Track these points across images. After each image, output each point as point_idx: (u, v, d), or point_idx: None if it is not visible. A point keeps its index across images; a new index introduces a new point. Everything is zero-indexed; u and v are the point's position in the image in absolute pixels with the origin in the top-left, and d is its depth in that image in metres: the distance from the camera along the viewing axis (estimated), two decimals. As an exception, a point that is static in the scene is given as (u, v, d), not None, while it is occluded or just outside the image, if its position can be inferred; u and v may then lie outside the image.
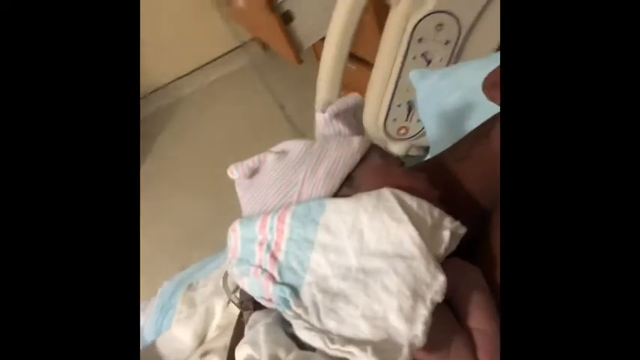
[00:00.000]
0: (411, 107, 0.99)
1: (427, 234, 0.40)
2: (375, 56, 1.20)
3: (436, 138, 0.79)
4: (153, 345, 0.92)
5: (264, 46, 2.07)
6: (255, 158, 0.49)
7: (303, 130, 1.75)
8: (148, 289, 1.16)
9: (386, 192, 0.42)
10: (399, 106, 0.98)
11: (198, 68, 2.40)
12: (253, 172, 0.49)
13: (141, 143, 2.28)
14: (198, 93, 2.44)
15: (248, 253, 0.44)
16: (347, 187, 0.47)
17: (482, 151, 0.52)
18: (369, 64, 1.29)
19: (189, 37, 2.14)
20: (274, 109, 1.73)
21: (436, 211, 0.42)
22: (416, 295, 0.38)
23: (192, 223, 1.85)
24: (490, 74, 0.37)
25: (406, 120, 1.00)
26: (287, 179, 0.48)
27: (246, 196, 0.50)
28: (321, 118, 0.51)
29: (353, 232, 0.41)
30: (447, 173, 0.55)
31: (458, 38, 0.93)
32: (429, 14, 0.89)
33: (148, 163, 2.23)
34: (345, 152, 0.48)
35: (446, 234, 0.41)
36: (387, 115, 0.99)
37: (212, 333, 0.89)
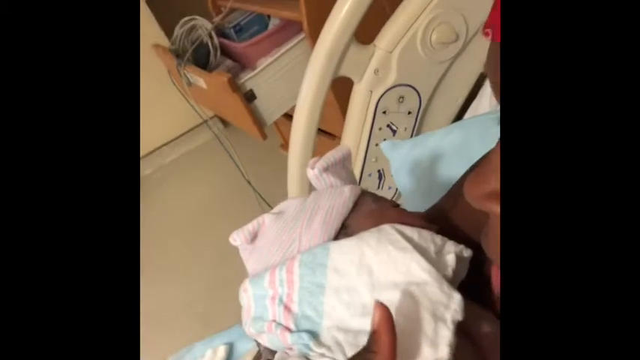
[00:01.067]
0: (381, 176, 1.01)
1: (432, 260, 0.41)
2: (336, 128, 1.24)
3: (415, 201, 0.81)
4: None
5: (225, 123, 2.10)
6: (254, 222, 0.51)
7: (273, 203, 1.74)
8: None
9: (386, 226, 0.43)
10: (369, 175, 1.00)
11: (159, 147, 2.39)
12: (254, 236, 0.50)
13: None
14: (159, 172, 2.42)
15: (261, 310, 0.44)
16: (343, 234, 0.47)
17: (465, 204, 0.55)
18: (332, 136, 1.33)
19: (149, 117, 2.16)
20: (242, 184, 1.73)
21: (438, 238, 0.43)
22: (436, 318, 0.37)
23: (158, 310, 1.77)
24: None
25: (377, 188, 1.02)
26: (285, 236, 0.48)
27: (252, 260, 0.50)
28: (311, 174, 0.52)
29: (361, 269, 0.41)
30: (441, 208, 0.57)
31: (419, 108, 0.98)
32: (390, 88, 0.94)
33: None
34: (337, 202, 0.49)
35: (451, 257, 0.42)
36: (359, 184, 1.00)
37: None
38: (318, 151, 1.06)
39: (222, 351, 0.96)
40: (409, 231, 0.43)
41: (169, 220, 2.09)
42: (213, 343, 1.03)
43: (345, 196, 0.50)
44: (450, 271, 0.41)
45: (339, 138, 1.05)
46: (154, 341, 1.60)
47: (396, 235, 0.43)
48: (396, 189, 1.02)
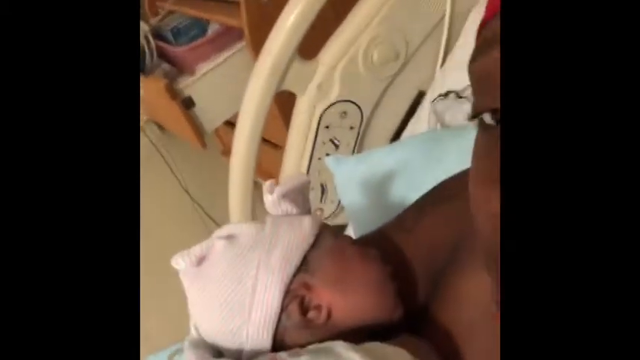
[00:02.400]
0: (324, 190, 1.02)
1: None
2: (278, 138, 1.24)
3: (359, 217, 0.82)
4: None
5: (161, 128, 2.03)
6: (203, 245, 0.48)
7: (211, 213, 1.70)
8: None
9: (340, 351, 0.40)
10: (312, 189, 1.01)
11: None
12: (201, 261, 0.47)
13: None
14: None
15: None
16: (303, 272, 0.47)
17: (428, 223, 0.56)
18: (276, 146, 1.32)
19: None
20: (181, 194, 1.68)
21: None
22: None
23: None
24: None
25: (320, 202, 1.03)
26: (240, 268, 0.46)
27: (195, 287, 0.48)
28: (269, 199, 0.51)
29: None
30: (396, 244, 0.57)
31: (361, 123, 1.00)
32: (333, 103, 0.95)
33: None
34: (297, 235, 0.48)
35: None
36: (302, 198, 1.01)
37: None
38: (261, 160, 1.05)
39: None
40: None
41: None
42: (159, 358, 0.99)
43: (304, 229, 0.49)
44: None
45: (283, 148, 1.04)
46: None
47: None
48: (338, 202, 1.03)
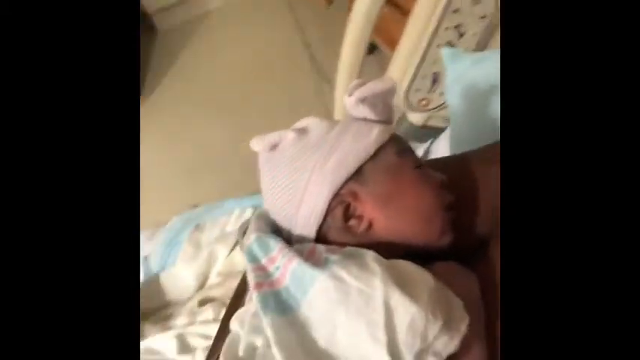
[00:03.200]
0: (435, 79, 0.95)
1: (407, 358, 0.38)
2: (407, 2, 1.13)
3: (459, 120, 0.78)
4: (156, 278, 0.98)
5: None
6: (277, 134, 0.51)
7: (323, 68, 1.70)
8: (164, 212, 1.22)
9: (379, 297, 0.39)
10: (423, 77, 0.95)
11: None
12: (273, 147, 0.51)
13: (161, 59, 2.25)
14: (227, 8, 2.35)
15: (254, 260, 0.46)
16: (354, 180, 0.48)
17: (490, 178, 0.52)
18: (401, 10, 1.22)
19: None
20: (297, 45, 1.68)
21: (433, 330, 0.39)
22: None
23: (208, 145, 1.88)
24: None
25: (429, 92, 0.97)
26: (299, 164, 0.49)
27: (265, 168, 0.52)
28: (347, 101, 0.51)
29: (327, 325, 0.40)
30: (470, 173, 0.56)
31: (494, 14, 0.87)
32: (470, -16, 0.84)
33: (169, 78, 2.21)
34: (359, 145, 0.49)
35: None
36: (411, 84, 0.96)
37: (213, 278, 0.95)
38: (387, 23, 0.98)
39: (249, 213, 1.04)
40: (401, 317, 0.39)
41: (223, 62, 2.09)
42: (243, 203, 1.11)
43: (369, 140, 0.49)
44: None
45: (408, 16, 0.96)
46: (204, 172, 1.73)
47: (381, 316, 0.39)
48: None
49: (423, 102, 0.98)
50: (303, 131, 0.51)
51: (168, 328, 0.77)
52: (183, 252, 1.00)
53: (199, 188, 1.72)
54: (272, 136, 0.51)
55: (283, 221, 0.50)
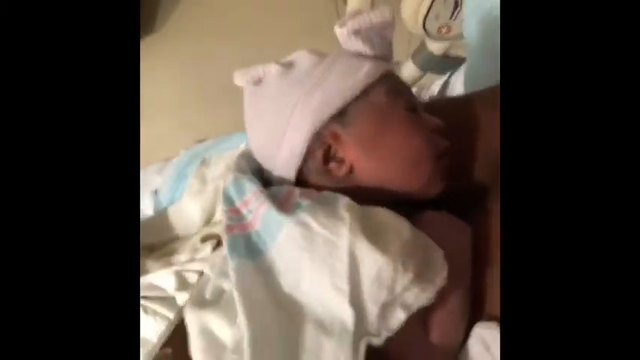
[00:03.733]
0: (457, 4, 0.87)
1: (372, 309, 0.36)
2: None
3: (475, 54, 0.71)
4: (165, 212, 0.98)
5: None
6: (260, 69, 0.48)
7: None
8: (179, 145, 1.20)
9: (344, 246, 0.37)
10: (444, 1, 0.86)
11: None
12: (258, 81, 0.48)
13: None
14: None
15: (228, 201, 0.44)
16: (337, 121, 0.44)
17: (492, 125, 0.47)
18: None
19: None
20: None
21: (402, 282, 0.36)
22: None
23: (223, 77, 1.82)
24: None
25: (450, 18, 0.89)
26: (281, 100, 0.45)
27: (247, 104, 0.49)
28: (339, 33, 0.46)
29: (292, 271, 0.39)
30: (471, 118, 0.51)
31: None
32: None
33: (183, 9, 2.13)
34: (346, 82, 0.44)
35: (398, 317, 0.36)
36: (429, 10, 0.87)
37: (218, 214, 0.93)
38: None
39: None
40: (368, 265, 0.36)
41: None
42: (249, 137, 1.08)
43: (357, 77, 0.44)
44: (386, 330, 0.36)
45: None
46: (213, 115, 1.69)
47: (345, 265, 0.36)
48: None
49: (443, 30, 0.90)
50: (289, 65, 0.47)
51: (170, 264, 0.76)
52: (189, 186, 0.99)
53: (214, 121, 1.69)
54: (256, 70, 0.47)
55: (264, 161, 0.47)
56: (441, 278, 0.37)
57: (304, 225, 0.38)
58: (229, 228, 0.41)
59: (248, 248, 0.40)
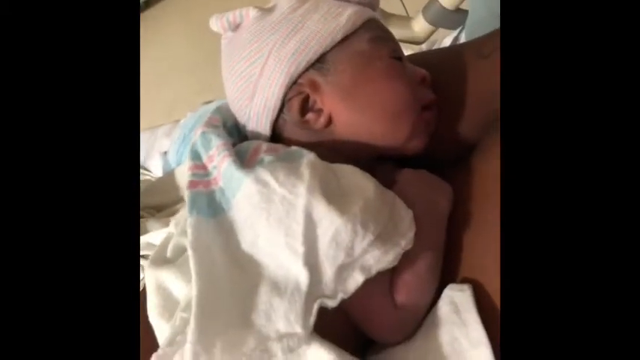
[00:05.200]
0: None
1: (328, 271, 0.35)
2: None
3: (477, 4, 0.67)
4: (172, 173, 0.99)
5: None
6: (237, 12, 0.46)
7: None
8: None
9: (301, 205, 0.35)
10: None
11: None
12: (235, 27, 0.46)
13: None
14: None
15: (196, 155, 0.43)
16: (316, 69, 0.42)
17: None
18: None
19: None
20: None
21: (361, 244, 0.35)
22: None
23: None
24: None
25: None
26: (257, 45, 0.43)
27: (223, 53, 0.47)
28: None
29: (250, 230, 0.37)
30: (462, 68, 0.48)
31: None
32: None
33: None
34: (325, 27, 0.42)
35: (355, 279, 0.35)
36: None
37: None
38: None
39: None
40: (326, 223, 0.35)
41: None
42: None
43: (338, 22, 0.42)
44: (342, 293, 0.35)
45: None
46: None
47: (300, 227, 0.35)
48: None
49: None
50: (269, 9, 0.44)
51: (168, 224, 0.77)
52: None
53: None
54: (232, 15, 0.45)
55: (239, 114, 0.46)
56: (406, 240, 0.36)
57: (262, 182, 0.37)
58: (192, 184, 0.40)
59: (210, 205, 0.39)
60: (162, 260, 0.41)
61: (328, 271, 0.35)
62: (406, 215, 0.37)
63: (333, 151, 0.42)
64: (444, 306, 0.37)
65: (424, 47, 0.95)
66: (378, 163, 0.44)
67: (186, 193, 0.40)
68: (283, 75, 0.42)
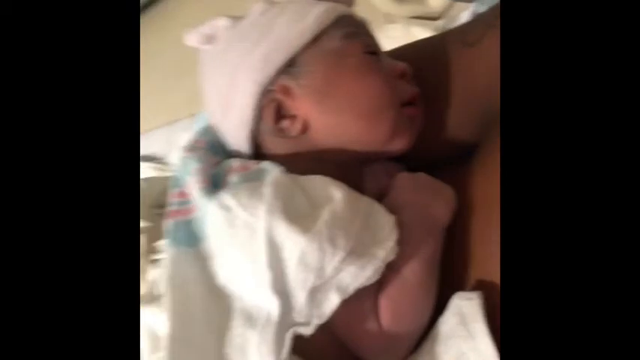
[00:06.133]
0: None
1: (300, 296, 0.32)
2: None
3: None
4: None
5: None
6: (208, 25, 0.43)
7: None
8: None
9: (261, 229, 0.33)
10: None
11: None
12: (209, 39, 0.43)
13: None
14: None
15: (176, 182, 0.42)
16: (287, 73, 0.39)
17: (495, 41, 0.41)
18: None
19: None
20: None
21: (332, 262, 0.32)
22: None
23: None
24: None
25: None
26: (226, 56, 0.41)
27: (201, 64, 0.45)
28: None
29: (220, 258, 0.36)
30: (449, 57, 0.45)
31: None
32: None
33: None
34: (293, 29, 0.39)
35: (331, 301, 0.32)
36: None
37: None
38: None
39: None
40: (294, 239, 0.32)
41: None
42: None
43: (306, 22, 0.39)
44: (312, 322, 0.32)
45: None
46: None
47: (263, 249, 0.32)
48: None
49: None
50: (240, 17, 0.42)
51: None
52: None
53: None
54: (205, 28, 0.43)
55: (219, 130, 0.43)
56: (385, 251, 0.33)
57: (225, 207, 0.35)
58: (172, 214, 0.39)
59: (190, 234, 0.38)
60: (150, 297, 0.41)
61: (300, 296, 0.32)
62: (386, 223, 0.34)
63: (313, 159, 0.39)
64: (450, 317, 0.34)
65: (441, 24, 0.91)
66: (369, 167, 0.41)
67: (165, 224, 0.39)
68: (252, 83, 0.39)
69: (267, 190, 0.34)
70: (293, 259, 0.32)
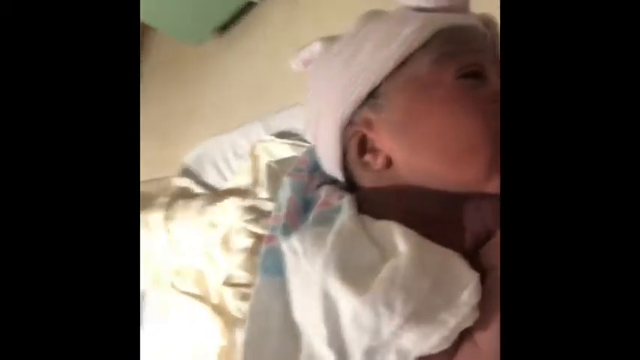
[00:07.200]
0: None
1: (356, 354, 0.29)
2: None
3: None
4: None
5: None
6: (307, 49, 0.42)
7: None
8: None
9: (317, 283, 0.31)
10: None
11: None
12: (307, 62, 0.43)
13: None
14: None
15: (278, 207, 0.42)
16: (369, 106, 0.36)
17: None
18: None
19: None
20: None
21: (389, 326, 0.28)
22: None
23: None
24: None
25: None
26: (316, 83, 0.40)
27: (307, 86, 0.43)
28: None
29: (293, 295, 0.35)
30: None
31: None
32: None
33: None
34: (377, 56, 0.35)
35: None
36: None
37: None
38: None
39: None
40: (343, 302, 0.29)
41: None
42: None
43: (390, 49, 0.34)
44: None
45: None
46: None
47: (319, 302, 0.30)
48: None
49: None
50: (330, 40, 0.40)
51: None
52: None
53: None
54: (303, 52, 0.42)
55: (317, 154, 0.43)
56: (458, 319, 0.28)
57: (293, 250, 0.33)
58: (268, 239, 0.39)
59: (278, 263, 0.36)
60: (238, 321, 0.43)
61: (355, 355, 0.29)
62: (466, 284, 0.28)
63: (399, 194, 0.35)
64: None
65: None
66: (473, 201, 0.35)
67: (261, 249, 0.39)
68: (334, 117, 0.37)
69: (330, 239, 0.32)
70: (347, 316, 0.29)
